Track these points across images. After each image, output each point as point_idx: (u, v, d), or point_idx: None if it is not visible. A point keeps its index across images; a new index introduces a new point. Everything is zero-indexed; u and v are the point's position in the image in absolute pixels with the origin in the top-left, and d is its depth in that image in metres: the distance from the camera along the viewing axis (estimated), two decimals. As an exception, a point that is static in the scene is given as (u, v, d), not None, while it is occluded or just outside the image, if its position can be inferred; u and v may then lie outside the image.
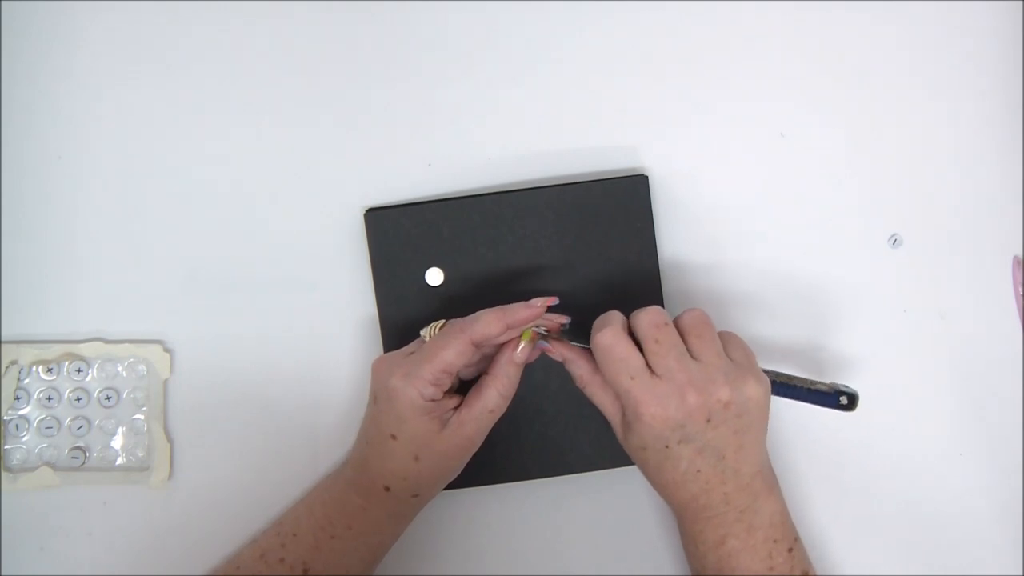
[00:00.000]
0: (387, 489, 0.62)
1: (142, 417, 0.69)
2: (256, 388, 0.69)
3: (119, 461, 0.69)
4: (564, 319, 0.64)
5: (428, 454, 0.61)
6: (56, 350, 0.68)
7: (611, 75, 0.70)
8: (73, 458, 0.69)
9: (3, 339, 0.69)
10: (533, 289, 0.67)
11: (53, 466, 0.68)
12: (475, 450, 0.63)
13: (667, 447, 0.59)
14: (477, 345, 0.61)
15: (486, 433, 0.63)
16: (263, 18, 0.69)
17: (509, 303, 0.66)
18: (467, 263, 0.67)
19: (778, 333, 0.70)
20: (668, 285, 0.69)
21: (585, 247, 0.68)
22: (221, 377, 0.69)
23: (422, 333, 0.63)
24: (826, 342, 0.70)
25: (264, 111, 0.69)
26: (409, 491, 0.63)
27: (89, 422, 0.69)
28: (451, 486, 0.67)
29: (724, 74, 0.70)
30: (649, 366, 0.59)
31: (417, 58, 0.70)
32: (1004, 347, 0.70)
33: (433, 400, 0.61)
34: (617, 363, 0.59)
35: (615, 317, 0.61)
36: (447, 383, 0.61)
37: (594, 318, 0.67)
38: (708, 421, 0.58)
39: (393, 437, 0.61)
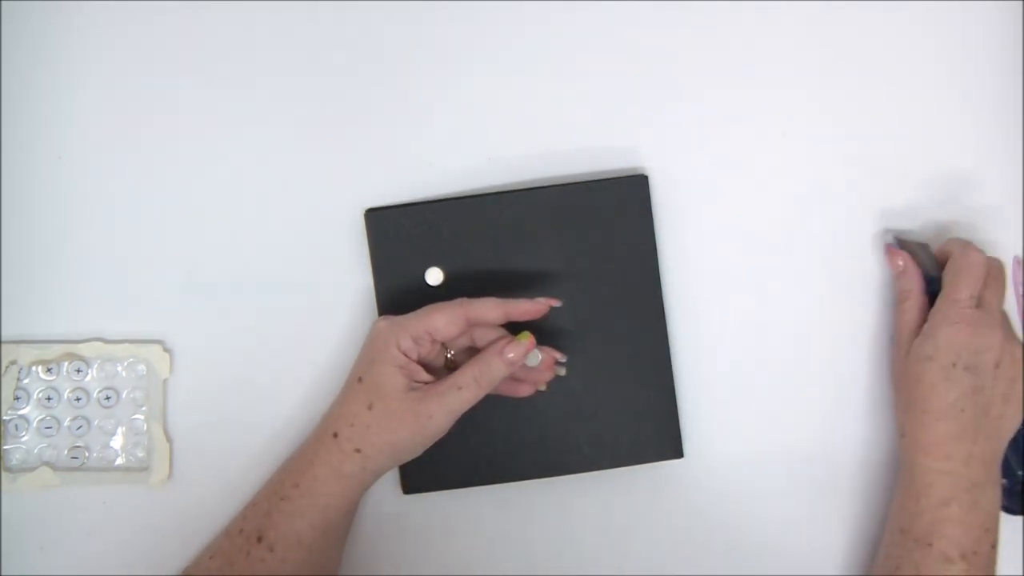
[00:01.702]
0: (335, 436, 0.61)
1: (142, 417, 0.69)
2: (256, 388, 0.69)
3: (119, 461, 0.69)
4: (561, 357, 0.65)
5: (382, 407, 0.60)
6: (56, 350, 0.68)
7: (611, 75, 0.70)
8: (73, 458, 0.69)
9: (3, 339, 0.69)
10: (533, 289, 0.67)
11: (53, 466, 0.68)
12: (433, 432, 0.61)
13: (953, 365, 0.61)
14: (471, 322, 0.61)
15: (449, 416, 0.61)
16: (263, 18, 0.69)
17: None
18: (467, 263, 0.67)
19: (778, 333, 0.70)
20: (668, 285, 0.69)
21: (585, 247, 0.68)
22: (221, 377, 0.69)
23: None
24: (826, 340, 0.70)
25: (264, 111, 0.69)
26: (353, 442, 0.61)
27: (89, 422, 0.68)
28: (451, 486, 0.67)
29: (725, 74, 0.70)
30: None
31: (417, 58, 0.70)
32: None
33: (406, 354, 0.61)
34: (969, 278, 0.63)
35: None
36: (427, 346, 0.61)
37: (594, 318, 0.67)
38: (997, 366, 0.62)
39: (359, 380, 0.62)
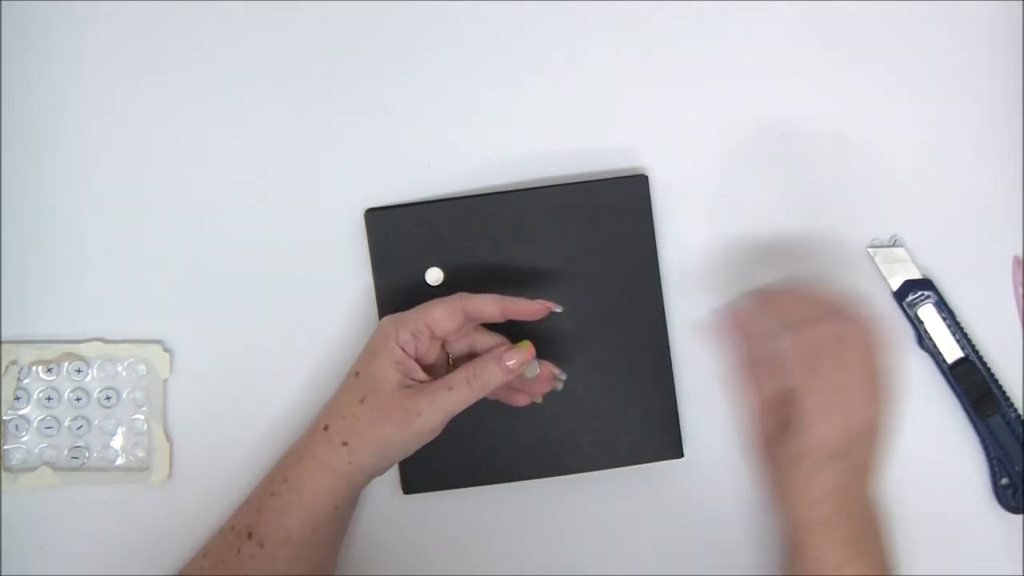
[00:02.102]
0: (325, 429, 0.61)
1: (142, 417, 0.69)
2: (256, 388, 0.69)
3: (119, 461, 0.69)
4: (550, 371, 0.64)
5: (374, 401, 0.60)
6: (56, 350, 0.68)
7: (611, 75, 0.70)
8: (73, 458, 0.69)
9: (3, 339, 0.69)
10: (533, 289, 0.67)
11: (53, 466, 0.68)
12: (422, 434, 0.60)
13: (831, 458, 0.56)
14: (469, 316, 0.61)
15: (440, 417, 0.60)
16: (263, 19, 0.69)
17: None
18: (467, 263, 0.67)
19: (778, 333, 0.70)
20: (668, 285, 0.69)
21: (585, 247, 0.68)
22: (221, 377, 0.69)
23: None
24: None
25: (264, 111, 0.69)
26: (342, 435, 0.60)
27: (89, 422, 0.68)
28: (451, 486, 0.68)
29: (724, 74, 0.70)
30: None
31: (417, 58, 0.70)
32: (1004, 347, 0.70)
33: (403, 348, 0.61)
34: (827, 359, 0.56)
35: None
36: (426, 341, 0.61)
37: (594, 318, 0.67)
38: (871, 439, 0.57)
39: (356, 374, 0.62)
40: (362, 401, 0.61)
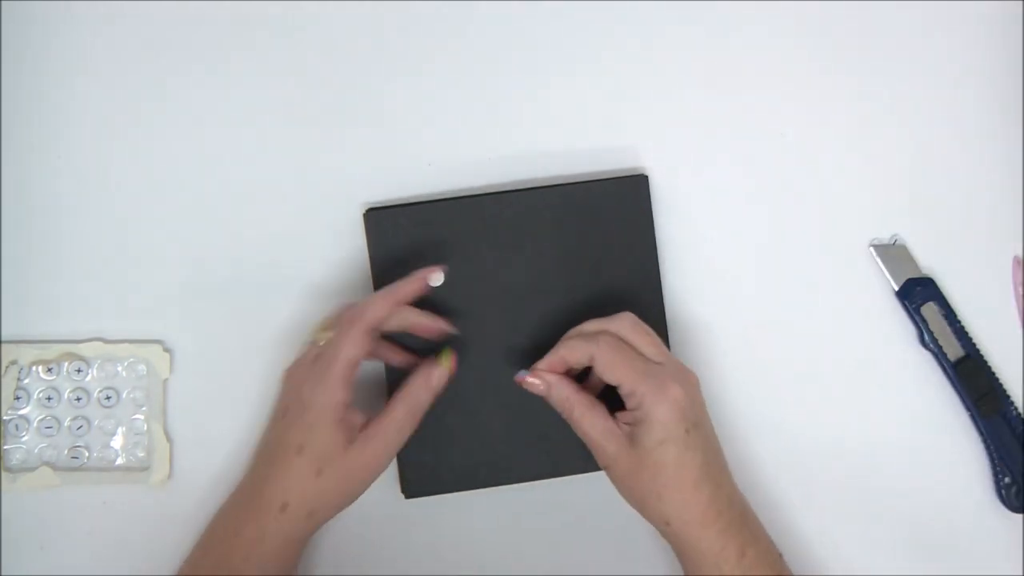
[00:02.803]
0: (283, 508, 0.60)
1: (142, 417, 0.69)
2: (256, 388, 0.69)
3: (119, 461, 0.69)
4: (451, 329, 0.65)
5: (331, 470, 0.60)
6: (56, 350, 0.68)
7: (611, 75, 0.70)
8: (73, 458, 0.69)
9: (3, 339, 0.69)
10: (533, 289, 0.67)
11: (53, 466, 0.68)
12: (380, 472, 0.62)
13: (687, 431, 0.59)
14: (372, 331, 0.61)
15: (392, 454, 0.62)
16: (263, 19, 0.70)
17: (509, 303, 0.67)
18: (467, 263, 0.67)
19: (778, 333, 0.70)
20: (668, 285, 0.69)
21: (585, 247, 0.68)
22: (221, 377, 0.69)
23: (313, 338, 0.63)
24: (826, 340, 0.70)
25: (264, 111, 0.70)
26: (305, 508, 0.60)
27: (89, 422, 0.68)
28: (451, 489, 0.67)
29: (725, 74, 0.70)
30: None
31: (417, 58, 0.70)
32: (1004, 347, 0.70)
33: (345, 405, 0.60)
34: (627, 352, 0.60)
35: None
36: (353, 378, 0.61)
37: (594, 318, 0.67)
38: (705, 407, 0.61)
39: (299, 450, 0.60)
40: (319, 474, 0.60)
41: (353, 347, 0.60)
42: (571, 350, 0.62)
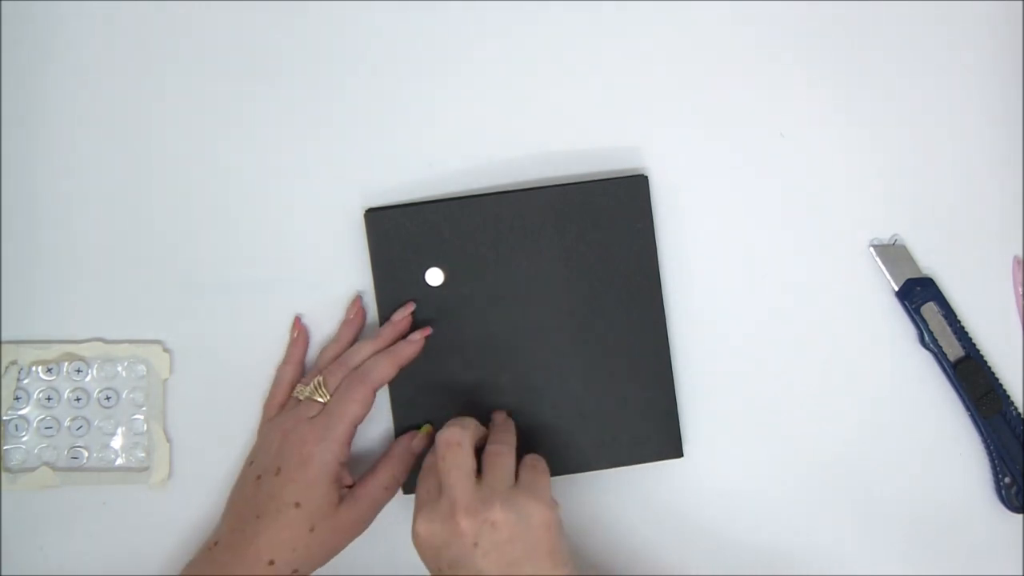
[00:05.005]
0: (271, 563, 0.60)
1: (141, 417, 0.69)
2: (256, 388, 0.69)
3: (118, 461, 0.69)
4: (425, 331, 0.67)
5: (323, 526, 0.61)
6: (56, 350, 0.68)
7: (611, 75, 0.70)
8: (73, 458, 0.69)
9: (3, 339, 0.69)
10: (533, 289, 0.67)
11: (52, 466, 0.68)
12: (363, 531, 0.64)
13: (439, 570, 0.58)
14: (377, 390, 0.64)
15: (375, 515, 0.64)
16: (263, 18, 0.70)
17: (510, 304, 0.67)
18: (467, 263, 0.67)
19: (778, 333, 0.70)
20: (668, 285, 0.69)
21: (585, 247, 0.68)
22: (221, 377, 0.69)
23: (304, 394, 0.64)
24: (826, 341, 0.70)
25: (264, 111, 0.69)
26: (292, 564, 0.61)
27: (88, 422, 0.68)
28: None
29: (724, 74, 0.70)
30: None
31: (417, 58, 0.70)
32: (1004, 347, 0.70)
33: (343, 464, 0.62)
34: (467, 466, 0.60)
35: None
36: (353, 438, 0.63)
37: (594, 318, 0.67)
38: (476, 546, 0.57)
39: (297, 505, 0.61)
40: (312, 530, 0.61)
41: (362, 408, 0.63)
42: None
